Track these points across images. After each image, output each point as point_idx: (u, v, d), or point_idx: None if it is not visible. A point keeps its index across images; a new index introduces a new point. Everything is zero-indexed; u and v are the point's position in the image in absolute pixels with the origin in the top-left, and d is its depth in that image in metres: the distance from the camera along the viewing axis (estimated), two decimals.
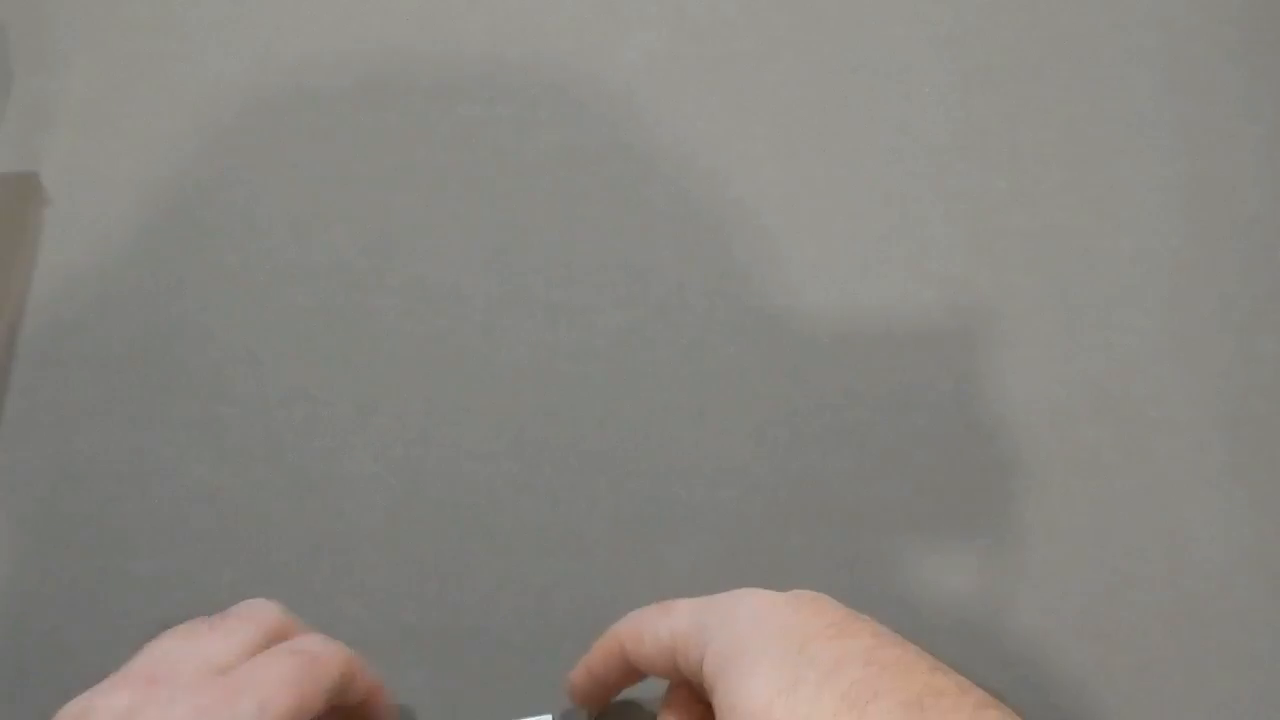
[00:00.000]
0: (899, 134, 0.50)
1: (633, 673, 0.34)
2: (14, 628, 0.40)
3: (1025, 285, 0.47)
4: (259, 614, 0.32)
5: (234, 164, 0.49)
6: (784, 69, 0.51)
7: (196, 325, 0.46)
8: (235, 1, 0.52)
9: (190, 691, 0.28)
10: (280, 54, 0.51)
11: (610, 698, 0.37)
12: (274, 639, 0.31)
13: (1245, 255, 0.47)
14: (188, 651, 0.29)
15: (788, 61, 0.52)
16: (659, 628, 0.32)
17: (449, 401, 0.44)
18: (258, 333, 0.45)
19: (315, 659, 0.30)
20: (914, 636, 0.40)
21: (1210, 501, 0.42)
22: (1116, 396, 0.44)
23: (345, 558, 0.42)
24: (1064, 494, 0.42)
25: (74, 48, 0.51)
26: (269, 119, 0.50)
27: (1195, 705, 0.39)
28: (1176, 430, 0.44)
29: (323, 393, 0.44)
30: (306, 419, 0.44)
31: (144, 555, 0.42)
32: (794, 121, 0.50)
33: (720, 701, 0.28)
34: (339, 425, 0.44)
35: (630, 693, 0.37)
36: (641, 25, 0.52)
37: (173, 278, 0.46)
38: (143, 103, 0.50)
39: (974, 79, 0.51)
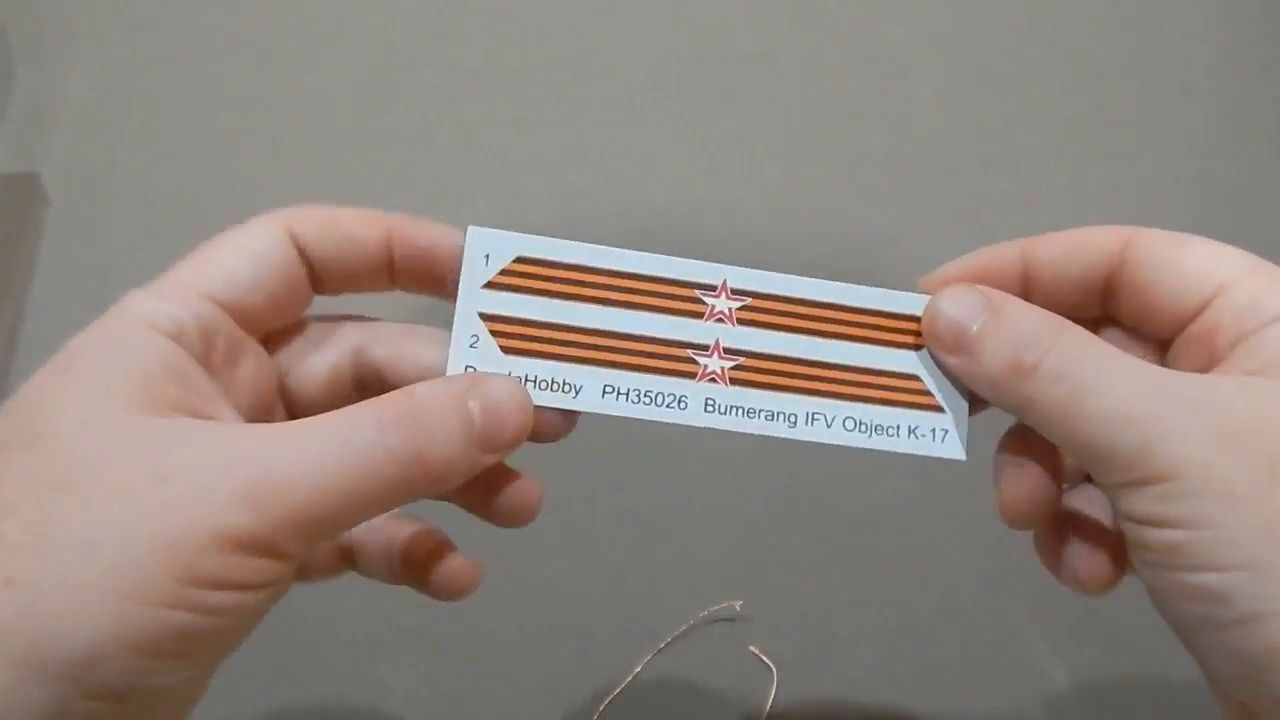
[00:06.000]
0: (899, 134, 0.50)
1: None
2: None
3: None
4: None
5: (234, 164, 0.49)
6: (784, 69, 0.51)
7: None
8: (235, 1, 0.52)
9: None
10: (280, 54, 0.51)
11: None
12: None
13: None
14: None
15: (788, 61, 0.52)
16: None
17: None
18: None
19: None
20: (914, 637, 0.41)
21: None
22: None
23: None
24: None
25: (74, 48, 0.51)
26: (269, 119, 0.50)
27: (1195, 705, 0.39)
28: None
29: None
30: None
31: None
32: (794, 121, 0.50)
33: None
34: None
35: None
36: (641, 25, 0.52)
37: None
38: (143, 103, 0.50)
39: (974, 79, 0.51)
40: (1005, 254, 0.28)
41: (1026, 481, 0.27)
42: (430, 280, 0.27)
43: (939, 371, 0.27)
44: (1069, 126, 0.50)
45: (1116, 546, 0.27)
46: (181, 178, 0.48)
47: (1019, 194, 0.49)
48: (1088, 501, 0.28)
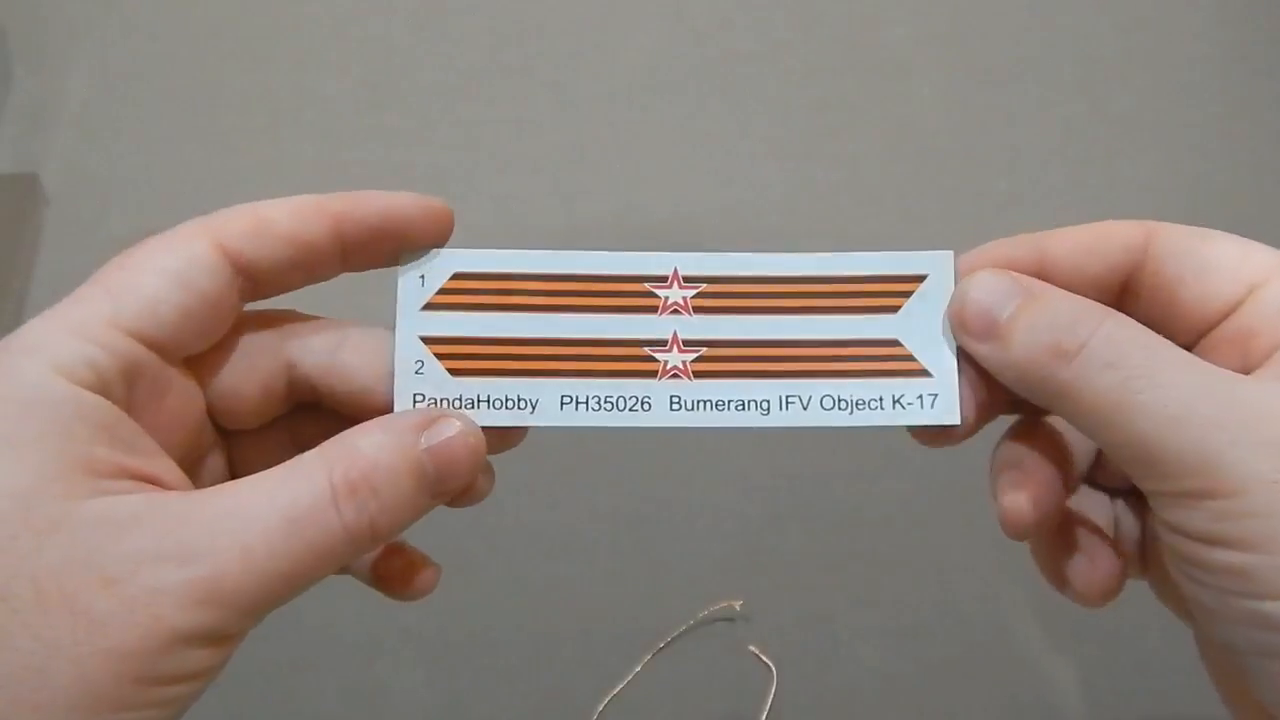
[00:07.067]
0: (899, 134, 0.50)
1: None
2: None
3: None
4: None
5: (234, 164, 0.49)
6: (784, 69, 0.51)
7: None
8: (235, 2, 0.52)
9: None
10: (280, 54, 0.51)
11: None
12: None
13: None
14: None
15: (788, 61, 0.52)
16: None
17: None
18: None
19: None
20: (914, 636, 0.41)
21: None
22: None
23: None
24: None
25: (74, 48, 0.51)
26: (269, 119, 0.50)
27: (1195, 705, 0.39)
28: None
29: None
30: None
31: None
32: (794, 121, 0.50)
33: None
34: None
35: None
36: (641, 25, 0.52)
37: None
38: (143, 103, 0.50)
39: (974, 79, 0.51)
40: (1019, 249, 0.26)
41: (1029, 488, 0.24)
42: (386, 254, 0.25)
43: (922, 332, 0.25)
44: (1069, 126, 0.50)
45: (1120, 556, 0.26)
46: (181, 178, 0.48)
47: (1019, 194, 0.49)
48: (1088, 507, 0.27)
